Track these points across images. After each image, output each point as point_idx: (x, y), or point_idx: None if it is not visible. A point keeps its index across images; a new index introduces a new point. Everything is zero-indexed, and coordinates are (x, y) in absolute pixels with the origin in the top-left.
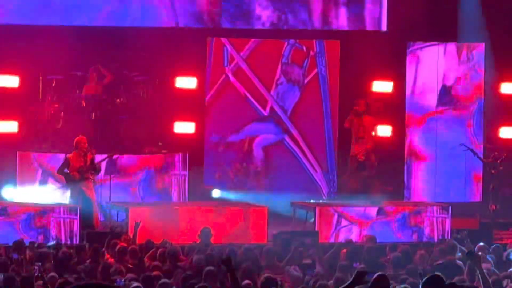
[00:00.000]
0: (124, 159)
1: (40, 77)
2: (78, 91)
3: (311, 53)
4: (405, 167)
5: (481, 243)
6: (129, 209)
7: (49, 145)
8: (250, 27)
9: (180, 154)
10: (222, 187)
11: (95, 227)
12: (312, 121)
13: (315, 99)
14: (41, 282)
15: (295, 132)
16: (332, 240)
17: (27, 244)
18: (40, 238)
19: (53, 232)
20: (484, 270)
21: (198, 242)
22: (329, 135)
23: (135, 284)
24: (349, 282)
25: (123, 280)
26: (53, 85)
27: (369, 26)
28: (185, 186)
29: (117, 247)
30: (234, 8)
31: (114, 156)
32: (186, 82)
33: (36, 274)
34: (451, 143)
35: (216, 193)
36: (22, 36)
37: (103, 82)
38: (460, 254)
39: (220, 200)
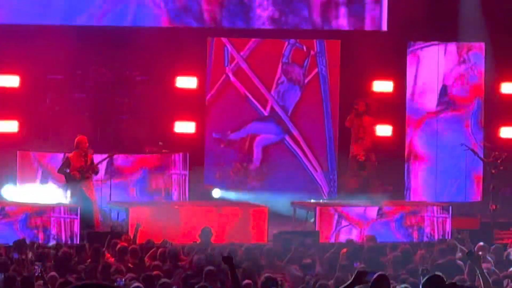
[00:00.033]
0: (122, 160)
1: (41, 77)
2: (78, 91)
3: (312, 52)
4: (406, 167)
5: (481, 243)
6: (130, 209)
7: (49, 145)
8: (250, 26)
9: (181, 154)
10: (222, 186)
11: (96, 227)
12: (312, 120)
13: (316, 98)
14: (41, 282)
15: (295, 132)
16: (332, 240)
17: (28, 243)
18: (38, 237)
19: (51, 232)
20: (485, 270)
21: (198, 242)
22: (329, 135)
23: (135, 284)
24: (349, 282)
25: (123, 279)
26: (54, 85)
27: (369, 26)
28: (186, 186)
29: (118, 246)
30: (234, 8)
31: (115, 156)
32: (186, 82)
33: (36, 274)
34: (451, 143)
35: (216, 193)
36: (22, 36)
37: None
38: (460, 254)
39: (220, 200)
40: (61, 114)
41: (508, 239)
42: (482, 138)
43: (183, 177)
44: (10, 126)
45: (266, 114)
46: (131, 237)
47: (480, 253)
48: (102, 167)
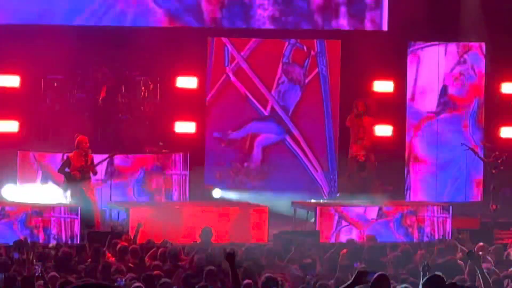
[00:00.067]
0: (122, 160)
1: (41, 77)
2: (78, 91)
3: (312, 52)
4: (406, 167)
5: (481, 243)
6: (130, 209)
7: (50, 145)
8: (250, 26)
9: (181, 154)
10: (222, 186)
11: (96, 227)
12: (313, 120)
13: (316, 98)
14: (41, 282)
15: (296, 132)
16: (332, 240)
17: (28, 243)
18: (39, 237)
19: (51, 232)
20: (485, 270)
21: (198, 242)
22: (330, 135)
23: (136, 283)
24: (349, 282)
25: (123, 279)
26: (54, 84)
27: (370, 26)
28: (186, 186)
29: (118, 246)
30: (234, 8)
31: (115, 156)
32: (186, 82)
33: (37, 274)
34: (451, 143)
35: (217, 193)
36: (22, 36)
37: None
38: (460, 253)
39: (220, 200)
40: (61, 114)
41: (508, 239)
42: (481, 138)
43: (184, 177)
44: (10, 126)
45: (266, 114)
46: (132, 237)
47: (480, 253)
48: (102, 167)
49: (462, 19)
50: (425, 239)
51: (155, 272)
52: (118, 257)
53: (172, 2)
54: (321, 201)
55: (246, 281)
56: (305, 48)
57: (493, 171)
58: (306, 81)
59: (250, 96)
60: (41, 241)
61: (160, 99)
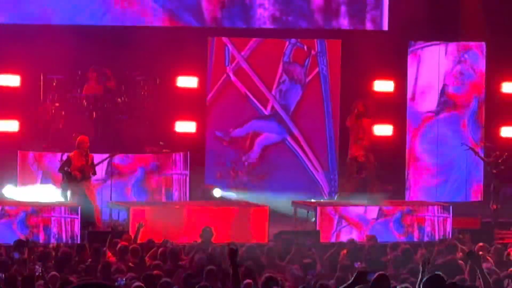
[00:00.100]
0: (122, 159)
1: (41, 77)
2: (78, 91)
3: (313, 52)
4: (406, 167)
5: (481, 243)
6: (130, 208)
7: (50, 145)
8: (251, 26)
9: (181, 153)
10: (223, 186)
11: (97, 226)
12: (313, 120)
13: (316, 98)
14: (42, 281)
15: (296, 132)
16: (333, 240)
17: (28, 243)
18: (39, 237)
19: (51, 231)
20: (485, 270)
21: (199, 241)
22: (330, 135)
23: (136, 283)
24: (350, 281)
25: (124, 279)
26: (54, 84)
27: (370, 26)
28: (186, 185)
29: (118, 246)
30: (235, 7)
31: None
32: (187, 82)
33: (37, 274)
34: (452, 143)
35: (217, 192)
36: (22, 36)
37: (106, 84)
38: (461, 253)
39: (221, 199)
40: (61, 114)
41: (508, 238)
42: (480, 137)
43: (184, 177)
44: (11, 125)
45: (267, 113)
46: (132, 237)
47: (481, 253)
48: (102, 167)
49: (462, 19)
50: (426, 239)
51: (155, 272)
52: (119, 256)
53: (172, 2)
54: (322, 200)
55: (246, 281)
56: (305, 47)
57: (494, 170)
58: (307, 80)
59: (251, 96)
60: (41, 241)
61: (160, 99)
